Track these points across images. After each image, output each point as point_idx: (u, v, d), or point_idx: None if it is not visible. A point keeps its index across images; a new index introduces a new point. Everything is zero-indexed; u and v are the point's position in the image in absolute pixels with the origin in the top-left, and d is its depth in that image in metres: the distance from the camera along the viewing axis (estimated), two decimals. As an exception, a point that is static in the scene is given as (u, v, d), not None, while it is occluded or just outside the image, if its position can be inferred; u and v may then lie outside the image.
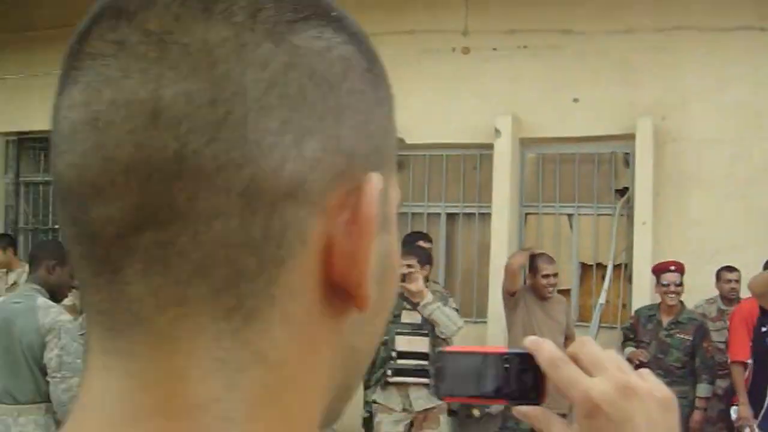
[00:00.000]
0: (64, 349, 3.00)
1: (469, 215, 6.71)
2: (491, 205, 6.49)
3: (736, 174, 5.96)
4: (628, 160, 6.33)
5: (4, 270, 6.34)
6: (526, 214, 6.58)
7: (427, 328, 4.33)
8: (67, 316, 3.19)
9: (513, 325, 4.80)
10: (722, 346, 4.83)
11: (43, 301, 3.17)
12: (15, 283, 6.08)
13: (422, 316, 4.31)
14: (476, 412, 4.71)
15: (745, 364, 4.46)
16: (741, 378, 4.45)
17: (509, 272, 4.77)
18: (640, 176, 6.01)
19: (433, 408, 4.39)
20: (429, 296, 4.30)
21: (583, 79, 6.24)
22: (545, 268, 4.75)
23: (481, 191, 6.66)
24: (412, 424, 4.47)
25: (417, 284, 4.23)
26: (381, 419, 4.51)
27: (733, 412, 4.50)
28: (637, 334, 5.04)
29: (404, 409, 4.43)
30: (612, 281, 6.19)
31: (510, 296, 4.80)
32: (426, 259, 4.55)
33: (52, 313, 3.10)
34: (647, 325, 4.98)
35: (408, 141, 6.53)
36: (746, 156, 5.95)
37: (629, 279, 6.22)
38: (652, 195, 5.96)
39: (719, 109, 6.01)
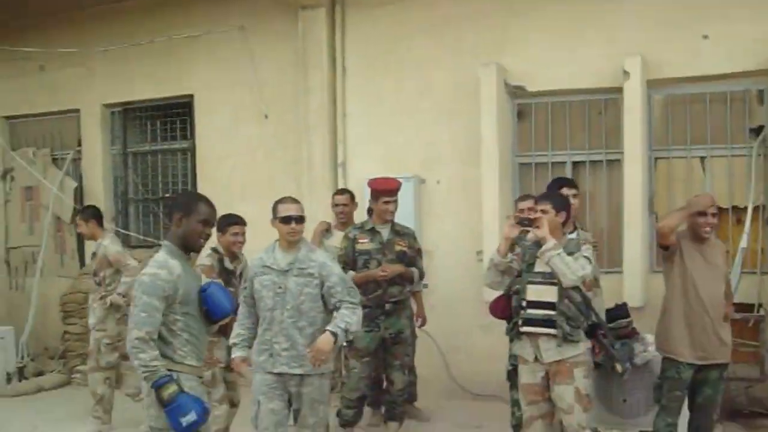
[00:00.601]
0: (134, 301, 3.95)
1: (596, 162, 8.00)
2: (619, 151, 7.76)
3: None
4: (762, 97, 7.48)
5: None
6: (656, 158, 7.77)
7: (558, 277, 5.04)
8: (149, 270, 3.92)
9: (670, 274, 5.58)
10: None
11: (156, 256, 4.03)
12: (94, 254, 7.46)
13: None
14: (619, 367, 5.29)
15: None
16: None
17: (660, 233, 5.53)
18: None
19: (564, 361, 5.09)
20: (551, 243, 4.99)
21: (711, 15, 7.39)
22: (703, 205, 5.50)
23: (607, 137, 7.94)
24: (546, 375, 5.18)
25: (541, 230, 5.05)
26: (520, 370, 5.35)
27: None
28: None
29: (536, 359, 5.16)
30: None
31: (664, 250, 5.63)
32: (561, 205, 5.25)
33: (144, 270, 4.02)
34: None
35: (529, 89, 8.08)
36: None
37: (767, 222, 7.51)
38: (797, 130, 6.96)
39: None
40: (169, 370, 3.87)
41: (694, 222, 5.56)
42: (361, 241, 6.51)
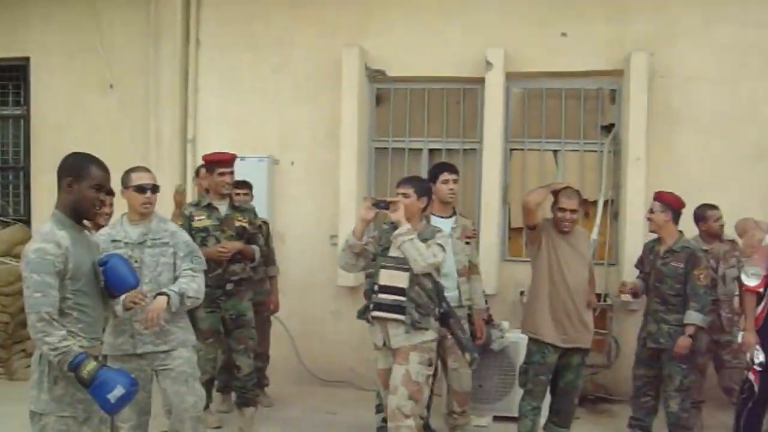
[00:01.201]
0: (25, 282, 3.58)
1: (453, 151, 8.04)
2: (476, 140, 7.90)
3: (722, 111, 7.47)
4: (614, 96, 7.80)
5: None
6: (511, 149, 7.94)
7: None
8: (35, 245, 3.57)
9: (537, 259, 5.76)
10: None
11: (42, 228, 3.67)
12: None
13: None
14: (468, 356, 5.28)
15: (758, 294, 5.56)
16: (751, 305, 5.57)
17: (526, 209, 5.67)
18: (633, 111, 7.35)
19: (406, 346, 5.01)
20: (404, 227, 4.93)
21: (570, 14, 7.65)
22: (562, 202, 5.66)
23: (464, 126, 8.03)
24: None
25: (396, 214, 4.99)
26: (377, 356, 5.28)
27: (739, 337, 5.72)
28: (644, 265, 6.31)
29: (384, 345, 5.12)
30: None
31: (531, 230, 5.76)
32: (423, 191, 5.22)
33: (29, 246, 3.65)
34: (649, 255, 6.22)
35: (389, 74, 8.04)
36: (732, 94, 7.49)
37: (615, 216, 7.74)
38: (645, 131, 7.36)
39: (707, 46, 7.48)
40: None
41: (555, 216, 5.72)
42: (197, 217, 6.11)
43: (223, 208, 6.15)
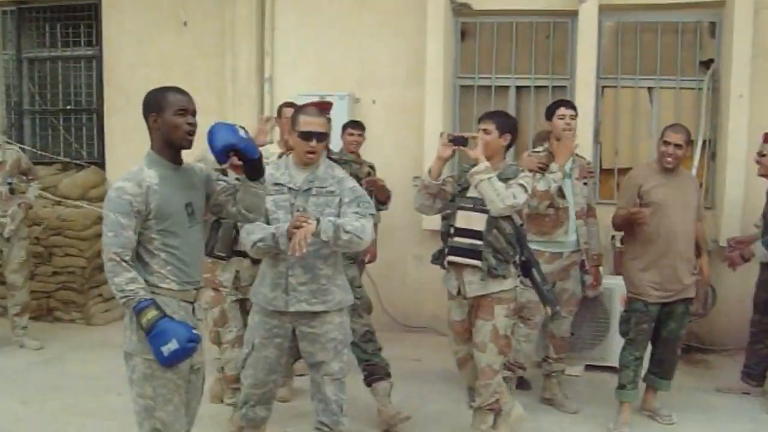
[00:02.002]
0: (104, 219, 3.51)
1: (541, 88, 7.80)
2: (565, 77, 7.65)
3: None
4: (714, 30, 7.45)
5: None
6: (603, 87, 7.65)
7: None
8: (117, 183, 3.46)
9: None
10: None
11: (134, 168, 3.55)
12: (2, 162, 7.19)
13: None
14: (549, 310, 5.02)
15: None
16: None
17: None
18: (736, 46, 7.00)
19: (487, 296, 4.71)
20: (482, 165, 4.59)
21: None
22: (667, 135, 5.38)
23: (554, 62, 7.75)
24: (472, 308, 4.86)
25: (475, 151, 4.64)
26: (449, 305, 4.97)
27: None
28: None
29: (459, 293, 4.83)
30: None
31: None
32: (507, 126, 4.83)
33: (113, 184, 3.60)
34: None
35: (475, 7, 7.74)
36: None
37: (713, 157, 7.45)
38: (749, 66, 7.02)
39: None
40: None
41: (659, 151, 5.47)
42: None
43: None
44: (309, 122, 4.23)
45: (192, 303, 3.62)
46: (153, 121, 3.47)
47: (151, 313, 3.30)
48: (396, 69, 7.86)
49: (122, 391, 5.68)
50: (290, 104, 6.27)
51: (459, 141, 4.73)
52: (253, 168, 3.61)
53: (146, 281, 3.42)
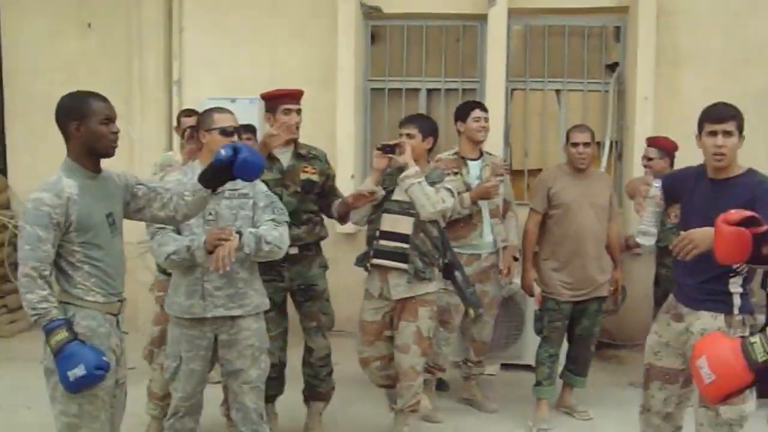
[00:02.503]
0: (20, 232, 3.43)
1: (451, 91, 7.87)
2: (475, 80, 7.74)
3: (729, 51, 7.32)
4: (618, 34, 7.66)
5: None
6: (512, 89, 7.77)
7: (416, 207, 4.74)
8: (33, 194, 3.33)
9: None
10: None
11: (50, 177, 3.43)
12: None
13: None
14: (472, 312, 5.16)
15: None
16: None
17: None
18: (641, 50, 7.21)
19: (412, 298, 4.81)
20: (412, 169, 4.68)
21: None
22: (574, 136, 5.51)
23: (464, 65, 7.85)
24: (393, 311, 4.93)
25: (404, 156, 4.74)
26: (363, 305, 5.02)
27: None
28: None
29: (381, 295, 4.88)
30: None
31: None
32: (429, 129, 4.94)
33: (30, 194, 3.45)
34: None
35: (386, 10, 7.76)
36: (739, 34, 7.34)
37: (619, 157, 7.64)
38: (654, 70, 7.23)
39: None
40: (67, 303, 3.31)
41: (569, 153, 5.60)
42: None
43: (285, 157, 5.17)
44: (225, 118, 4.22)
45: (116, 315, 3.53)
46: (75, 129, 3.34)
47: (61, 335, 3.20)
48: (307, 72, 7.80)
49: (33, 404, 5.54)
50: (189, 112, 6.18)
51: (389, 149, 4.79)
52: (224, 181, 3.61)
53: (71, 294, 3.34)
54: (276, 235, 4.12)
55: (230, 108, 4.78)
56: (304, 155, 5.21)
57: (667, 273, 6.02)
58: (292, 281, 5.10)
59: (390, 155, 4.82)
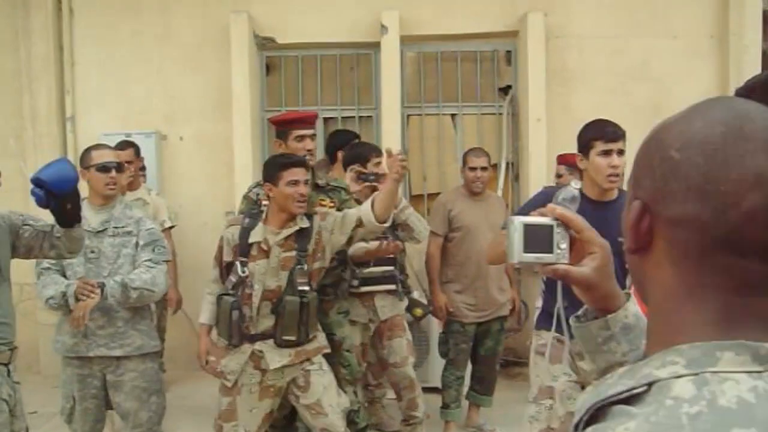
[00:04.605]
0: None
1: (348, 119, 8.03)
2: (371, 107, 7.93)
3: (616, 69, 7.67)
4: (509, 58, 7.93)
5: None
6: (408, 115, 7.98)
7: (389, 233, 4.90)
8: None
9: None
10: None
11: None
12: None
13: (397, 221, 4.82)
14: (418, 312, 5.48)
15: None
16: None
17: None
18: (532, 72, 7.48)
19: (396, 315, 5.18)
20: (404, 200, 4.96)
21: None
22: (471, 161, 5.73)
23: (360, 93, 8.02)
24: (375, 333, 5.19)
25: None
26: (345, 333, 4.82)
27: None
28: None
29: (370, 321, 5.10)
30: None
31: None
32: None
33: None
34: None
35: (279, 41, 7.84)
36: (625, 52, 7.68)
37: (516, 178, 7.86)
38: (545, 91, 7.51)
39: (599, 5, 7.67)
40: None
41: (466, 177, 5.81)
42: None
43: None
44: (103, 154, 4.29)
45: (7, 365, 3.50)
46: None
47: None
48: (202, 104, 7.88)
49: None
50: (124, 145, 6.28)
51: (370, 179, 4.90)
52: (60, 214, 3.55)
53: None
54: (146, 278, 4.16)
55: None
56: (322, 186, 4.81)
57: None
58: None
59: (375, 183, 4.89)
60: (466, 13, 7.70)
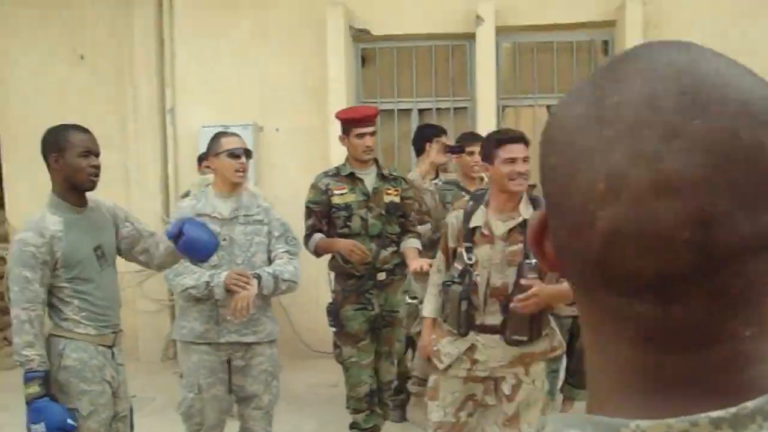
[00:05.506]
0: (7, 274, 3.55)
1: (443, 110, 8.08)
2: (466, 98, 7.97)
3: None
4: (607, 48, 7.84)
5: None
6: (504, 106, 8.00)
7: None
8: (18, 234, 3.47)
9: None
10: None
11: (34, 214, 3.54)
12: None
13: None
14: None
15: None
16: None
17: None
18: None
19: None
20: None
21: None
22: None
23: (454, 84, 8.06)
24: None
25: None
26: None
27: None
28: None
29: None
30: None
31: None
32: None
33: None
34: None
35: (374, 32, 7.90)
36: (723, 37, 7.50)
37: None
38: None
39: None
40: (59, 336, 3.43)
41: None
42: (337, 191, 5.11)
43: (369, 178, 5.16)
44: (232, 141, 4.31)
45: (111, 347, 3.61)
46: (54, 161, 3.44)
47: (34, 389, 3.31)
48: (298, 96, 8.01)
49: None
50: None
51: (455, 150, 5.64)
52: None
53: (61, 327, 3.43)
54: (292, 270, 4.26)
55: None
56: (386, 177, 5.21)
57: None
58: (381, 307, 5.13)
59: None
60: (562, 2, 7.69)
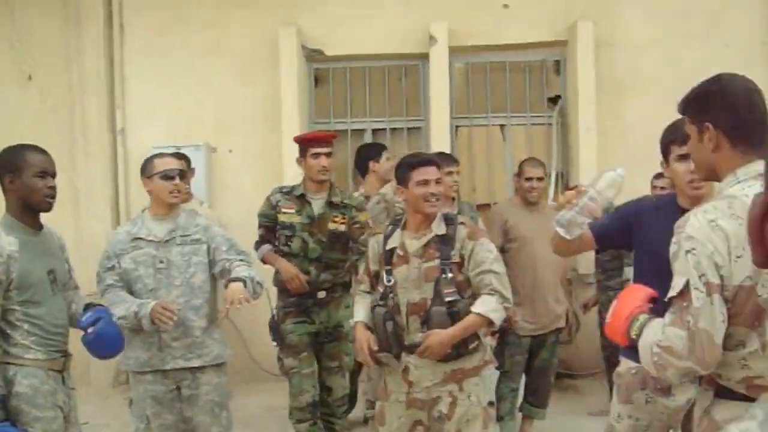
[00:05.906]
0: None
1: (397, 130, 8.09)
2: (420, 118, 7.98)
3: (667, 78, 7.59)
4: (558, 68, 7.92)
5: None
6: (457, 126, 8.01)
7: None
8: None
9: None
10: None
11: None
12: None
13: None
14: None
15: None
16: None
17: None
18: (582, 82, 7.51)
19: None
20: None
21: None
22: (528, 171, 5.68)
23: (408, 104, 8.07)
24: None
25: None
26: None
27: None
28: None
29: None
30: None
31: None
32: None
33: None
34: None
35: (327, 53, 7.89)
36: (676, 60, 7.62)
37: (565, 189, 7.79)
38: (595, 101, 7.51)
39: (650, 13, 7.69)
40: (8, 363, 3.36)
41: (522, 187, 5.76)
42: (285, 209, 5.30)
43: (318, 203, 5.30)
44: (166, 162, 4.27)
45: (61, 372, 3.53)
46: (9, 182, 3.38)
47: None
48: (251, 116, 7.98)
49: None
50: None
51: None
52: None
53: (10, 354, 3.35)
54: (255, 274, 4.15)
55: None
56: (335, 204, 5.33)
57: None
58: (322, 323, 5.31)
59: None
60: (514, 23, 7.76)
